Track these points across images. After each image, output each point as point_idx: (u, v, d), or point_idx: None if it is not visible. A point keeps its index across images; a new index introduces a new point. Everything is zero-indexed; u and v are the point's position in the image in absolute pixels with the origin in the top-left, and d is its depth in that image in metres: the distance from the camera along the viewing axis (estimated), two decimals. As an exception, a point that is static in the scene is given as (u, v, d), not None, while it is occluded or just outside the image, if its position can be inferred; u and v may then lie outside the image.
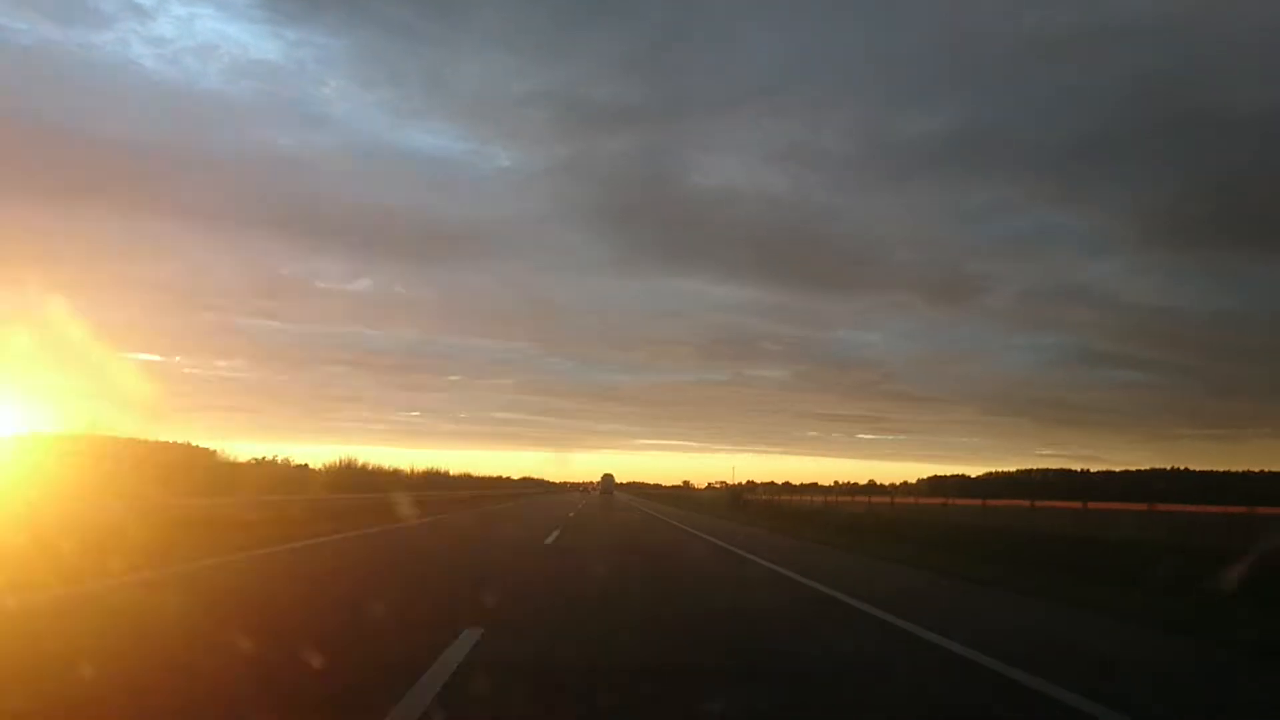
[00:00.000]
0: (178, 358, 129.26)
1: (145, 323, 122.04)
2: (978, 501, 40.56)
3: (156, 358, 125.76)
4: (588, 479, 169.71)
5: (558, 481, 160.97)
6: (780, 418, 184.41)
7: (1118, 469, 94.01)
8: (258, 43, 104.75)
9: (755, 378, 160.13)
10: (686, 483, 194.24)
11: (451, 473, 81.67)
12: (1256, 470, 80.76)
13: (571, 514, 35.03)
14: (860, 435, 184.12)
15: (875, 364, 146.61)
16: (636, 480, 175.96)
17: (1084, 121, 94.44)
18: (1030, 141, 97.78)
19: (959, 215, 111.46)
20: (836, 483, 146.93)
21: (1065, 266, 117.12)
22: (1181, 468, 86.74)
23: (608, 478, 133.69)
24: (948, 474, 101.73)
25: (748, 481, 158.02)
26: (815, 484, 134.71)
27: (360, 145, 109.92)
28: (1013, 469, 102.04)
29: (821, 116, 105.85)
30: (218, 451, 32.19)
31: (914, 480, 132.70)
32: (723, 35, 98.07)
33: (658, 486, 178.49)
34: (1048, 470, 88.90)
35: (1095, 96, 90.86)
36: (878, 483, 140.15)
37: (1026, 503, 36.18)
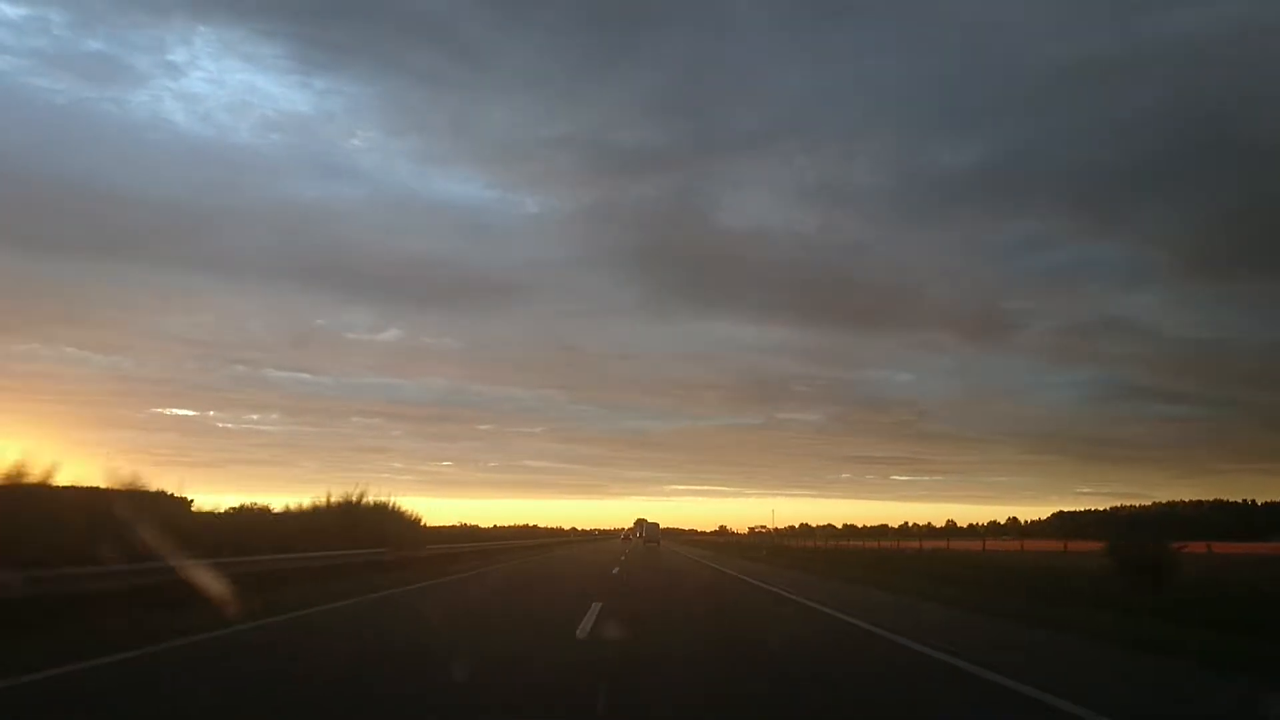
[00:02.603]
0: (211, 412, 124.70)
1: (178, 378, 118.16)
2: (1238, 547, 29.71)
3: (191, 412, 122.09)
4: (619, 526, 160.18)
5: (588, 529, 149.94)
6: (813, 461, 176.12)
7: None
8: (287, 93, 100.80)
9: (787, 420, 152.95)
10: (723, 528, 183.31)
11: (498, 524, 75.05)
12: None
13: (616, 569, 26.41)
14: (894, 477, 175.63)
15: (909, 404, 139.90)
16: (671, 526, 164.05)
17: (1121, 151, 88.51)
18: (1066, 172, 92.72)
19: (993, 250, 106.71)
20: (908, 524, 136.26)
21: (1103, 299, 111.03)
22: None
23: (643, 524, 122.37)
24: (1077, 510, 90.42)
25: (799, 525, 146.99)
26: (885, 526, 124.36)
27: (388, 195, 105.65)
28: (1145, 502, 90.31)
29: (852, 152, 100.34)
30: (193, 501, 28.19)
31: (1003, 520, 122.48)
32: (750, 73, 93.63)
33: (693, 532, 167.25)
34: (1200, 502, 76.91)
35: (1132, 125, 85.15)
36: (957, 524, 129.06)
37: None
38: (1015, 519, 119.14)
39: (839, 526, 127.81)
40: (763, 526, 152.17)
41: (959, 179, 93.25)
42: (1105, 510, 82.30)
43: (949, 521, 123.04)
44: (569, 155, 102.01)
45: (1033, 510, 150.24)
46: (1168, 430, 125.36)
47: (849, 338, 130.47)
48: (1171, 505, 77.70)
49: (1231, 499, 77.59)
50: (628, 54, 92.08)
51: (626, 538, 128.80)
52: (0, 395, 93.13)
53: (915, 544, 40.12)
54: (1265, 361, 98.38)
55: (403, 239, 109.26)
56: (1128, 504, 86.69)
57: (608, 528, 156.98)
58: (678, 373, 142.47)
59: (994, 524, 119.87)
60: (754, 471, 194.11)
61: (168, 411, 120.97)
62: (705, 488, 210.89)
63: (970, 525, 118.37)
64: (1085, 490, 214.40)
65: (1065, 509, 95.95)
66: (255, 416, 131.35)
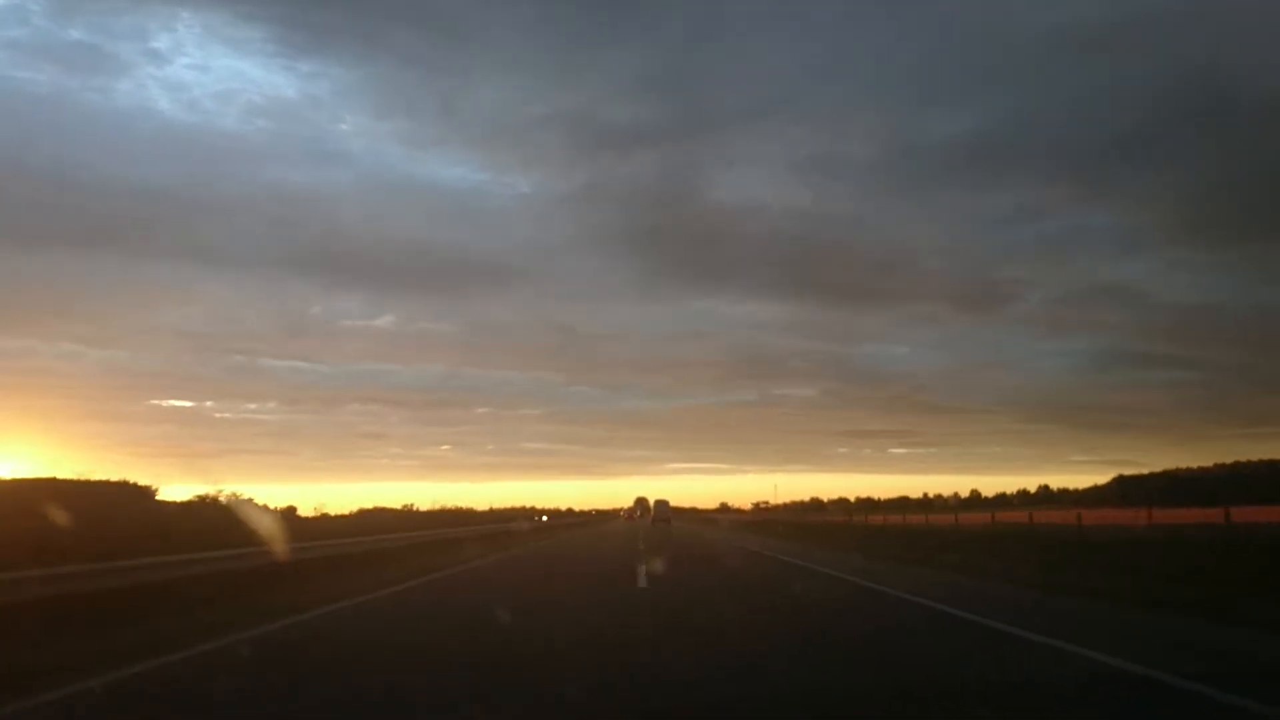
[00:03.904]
0: (208, 402, 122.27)
1: (174, 369, 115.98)
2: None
3: (187, 403, 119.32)
4: (617, 506, 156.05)
5: (587, 510, 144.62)
6: (810, 436, 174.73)
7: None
8: (272, 78, 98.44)
9: (783, 396, 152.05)
10: (724, 505, 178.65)
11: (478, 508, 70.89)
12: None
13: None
14: (892, 450, 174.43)
15: (905, 377, 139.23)
16: (673, 505, 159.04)
17: (1113, 116, 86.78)
18: (1058, 140, 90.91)
19: (987, 220, 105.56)
20: (928, 495, 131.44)
21: (1098, 267, 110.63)
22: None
23: (643, 503, 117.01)
24: (1141, 473, 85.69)
25: (809, 499, 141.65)
26: (905, 498, 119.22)
27: (378, 179, 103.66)
28: (1205, 464, 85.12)
29: (844, 124, 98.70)
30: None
31: (1033, 489, 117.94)
32: (742, 46, 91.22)
33: (695, 510, 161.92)
34: (1273, 461, 70.95)
35: (1124, 90, 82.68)
36: (982, 494, 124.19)
37: None
38: (1046, 486, 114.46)
39: (853, 500, 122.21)
40: (766, 502, 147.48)
41: (952, 149, 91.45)
42: (1163, 472, 77.32)
43: (973, 492, 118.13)
44: (560, 135, 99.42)
45: (1025, 480, 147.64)
46: (1165, 396, 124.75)
47: (843, 312, 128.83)
48: (1235, 466, 73.14)
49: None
50: (617, 31, 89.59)
51: (629, 516, 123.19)
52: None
53: (986, 516, 34.06)
54: (1261, 325, 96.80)
55: (395, 224, 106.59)
56: (1183, 467, 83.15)
57: (605, 508, 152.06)
58: (673, 351, 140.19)
59: (1024, 492, 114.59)
60: (751, 448, 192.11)
61: (165, 403, 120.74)
62: (703, 465, 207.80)
63: (1000, 495, 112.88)
64: (1081, 459, 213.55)
65: (1125, 473, 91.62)
66: (253, 406, 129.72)
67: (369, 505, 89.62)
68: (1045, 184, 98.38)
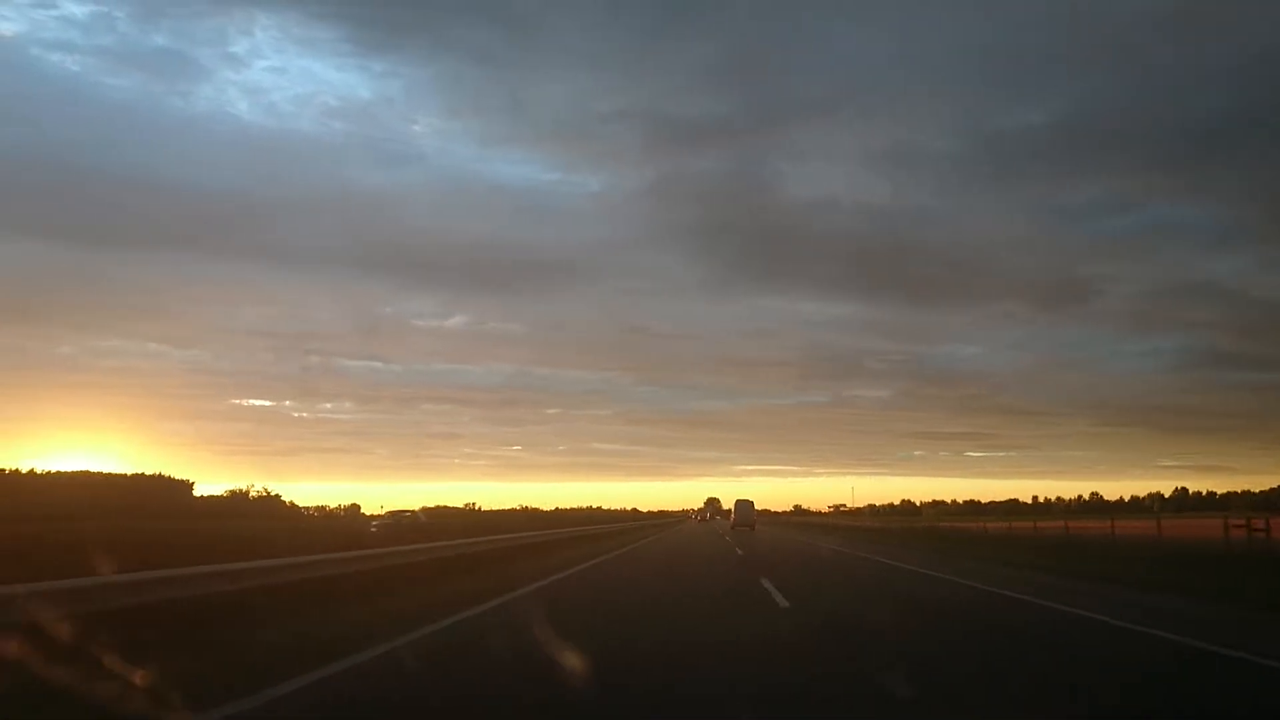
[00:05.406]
0: (286, 402, 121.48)
1: (254, 369, 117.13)
2: None
3: (267, 403, 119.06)
4: (686, 507, 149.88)
5: (655, 510, 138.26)
6: (884, 438, 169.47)
7: None
8: (346, 79, 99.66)
9: (856, 398, 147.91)
10: (798, 507, 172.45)
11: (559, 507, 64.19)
12: None
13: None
14: (969, 453, 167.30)
15: (982, 378, 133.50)
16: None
17: (1206, 102, 79.45)
18: (1146, 129, 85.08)
19: (1069, 214, 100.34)
20: (1039, 499, 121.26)
21: (1187, 263, 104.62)
22: None
23: (714, 502, 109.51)
24: None
25: (899, 502, 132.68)
26: (1015, 501, 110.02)
27: (450, 180, 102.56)
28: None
29: (920, 115, 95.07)
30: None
31: (1168, 492, 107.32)
32: (814, 37, 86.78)
33: (767, 513, 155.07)
34: None
35: (1217, 74, 76.06)
36: (1105, 498, 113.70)
37: None
38: (1183, 488, 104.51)
39: (949, 503, 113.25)
40: (843, 505, 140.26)
41: (1033, 139, 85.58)
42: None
43: (1094, 494, 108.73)
44: (629, 131, 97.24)
45: (1116, 485, 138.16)
46: (1259, 399, 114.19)
47: (919, 310, 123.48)
48: None
49: None
50: (686, 23, 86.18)
51: (701, 518, 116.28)
52: (91, 390, 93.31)
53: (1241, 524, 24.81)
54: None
55: (466, 223, 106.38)
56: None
57: (672, 509, 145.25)
58: (743, 351, 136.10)
59: (1158, 495, 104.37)
60: (822, 450, 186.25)
61: (245, 402, 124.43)
62: (774, 468, 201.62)
63: (1131, 498, 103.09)
64: (1168, 463, 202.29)
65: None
66: (329, 405, 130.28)
67: (432, 504, 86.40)
68: (1132, 175, 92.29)
